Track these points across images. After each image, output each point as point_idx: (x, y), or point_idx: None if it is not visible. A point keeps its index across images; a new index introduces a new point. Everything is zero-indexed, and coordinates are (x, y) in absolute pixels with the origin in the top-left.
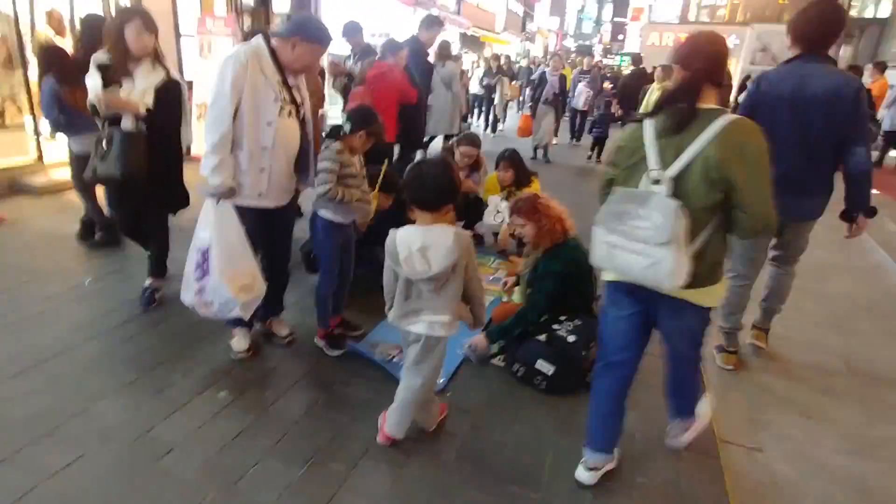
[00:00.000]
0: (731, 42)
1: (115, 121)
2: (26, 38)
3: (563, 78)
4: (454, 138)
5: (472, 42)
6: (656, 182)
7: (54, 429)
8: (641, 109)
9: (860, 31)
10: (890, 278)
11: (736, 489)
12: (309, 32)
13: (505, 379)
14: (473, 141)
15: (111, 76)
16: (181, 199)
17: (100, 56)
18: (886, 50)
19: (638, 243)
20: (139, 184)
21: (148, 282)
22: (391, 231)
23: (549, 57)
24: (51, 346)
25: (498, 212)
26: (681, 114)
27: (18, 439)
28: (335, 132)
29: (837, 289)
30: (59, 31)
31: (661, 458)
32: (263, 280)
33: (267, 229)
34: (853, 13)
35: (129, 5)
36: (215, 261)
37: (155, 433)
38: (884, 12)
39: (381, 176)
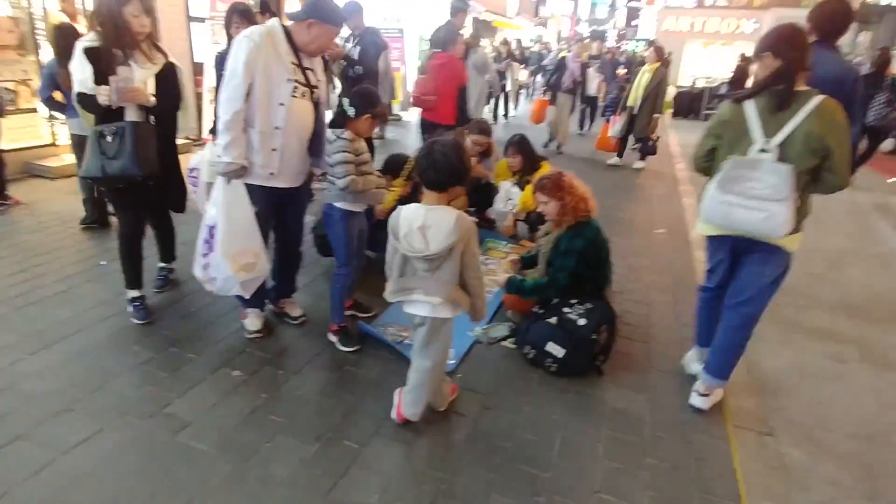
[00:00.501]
0: (750, 26)
1: (116, 112)
2: (39, 23)
3: (584, 65)
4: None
5: (484, 27)
6: (763, 151)
7: (73, 404)
8: (633, 89)
9: (879, 17)
10: None
11: (745, 472)
12: (324, 14)
13: (515, 361)
14: (484, 129)
15: (104, 65)
16: (179, 190)
17: (86, 41)
18: None
19: (754, 200)
20: (154, 178)
21: (160, 265)
22: (398, 207)
23: (570, 42)
24: (68, 325)
25: (509, 199)
26: (780, 95)
27: (38, 414)
28: (340, 120)
29: (852, 275)
30: (73, 16)
31: (671, 440)
32: (267, 261)
33: (279, 210)
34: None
35: None
36: (219, 238)
37: (171, 410)
38: None
39: (410, 165)
